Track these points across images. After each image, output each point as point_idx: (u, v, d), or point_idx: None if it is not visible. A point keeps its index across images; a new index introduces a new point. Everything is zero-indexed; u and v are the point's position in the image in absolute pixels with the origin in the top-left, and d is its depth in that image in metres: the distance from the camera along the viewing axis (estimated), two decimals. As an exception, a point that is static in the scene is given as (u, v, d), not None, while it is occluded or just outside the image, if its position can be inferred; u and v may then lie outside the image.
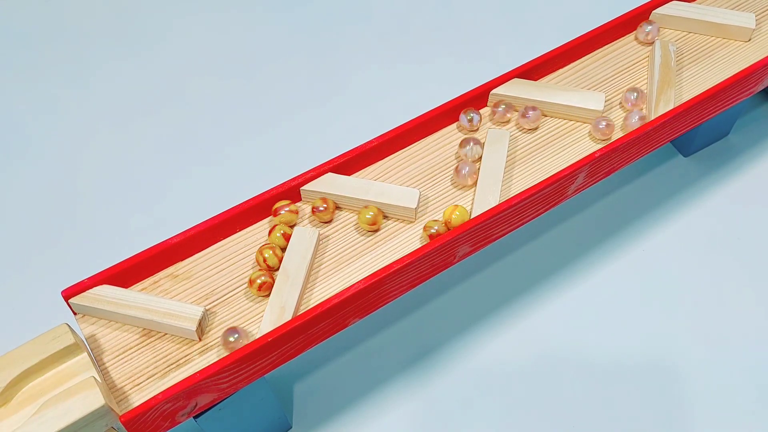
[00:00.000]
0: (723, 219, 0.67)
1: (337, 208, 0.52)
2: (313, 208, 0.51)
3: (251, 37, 0.85)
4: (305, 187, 0.52)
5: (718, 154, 0.72)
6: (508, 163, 0.54)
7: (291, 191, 0.51)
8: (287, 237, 0.49)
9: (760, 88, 0.62)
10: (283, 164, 0.72)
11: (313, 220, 0.51)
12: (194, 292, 0.48)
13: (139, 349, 0.46)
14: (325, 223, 0.51)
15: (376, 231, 0.51)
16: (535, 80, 0.59)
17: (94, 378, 0.41)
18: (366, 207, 0.50)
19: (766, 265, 0.64)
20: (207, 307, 0.47)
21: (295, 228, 0.50)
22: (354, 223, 0.51)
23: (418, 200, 0.51)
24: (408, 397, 0.58)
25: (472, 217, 0.50)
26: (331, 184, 0.52)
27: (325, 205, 0.50)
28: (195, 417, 0.46)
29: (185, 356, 0.45)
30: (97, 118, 0.78)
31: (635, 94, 0.57)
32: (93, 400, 0.40)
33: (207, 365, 0.44)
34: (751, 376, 0.58)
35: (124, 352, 0.45)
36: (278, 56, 0.83)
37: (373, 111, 0.77)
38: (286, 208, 0.50)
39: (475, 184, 0.53)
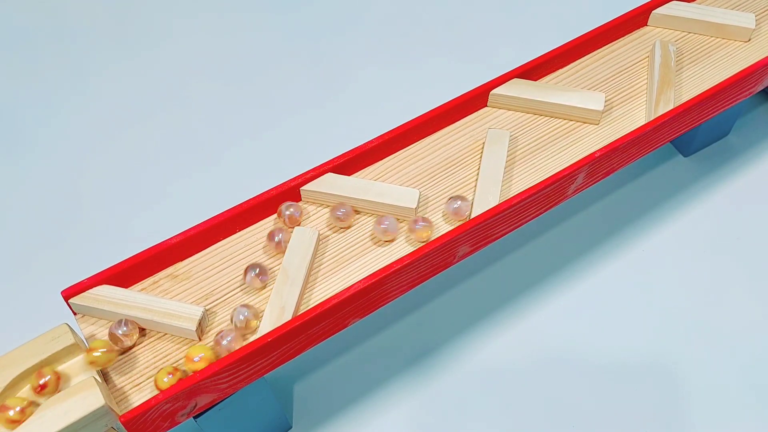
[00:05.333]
0: (723, 219, 0.67)
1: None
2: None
3: (251, 39, 0.85)
4: (305, 187, 0.52)
5: (718, 154, 0.72)
6: (508, 163, 0.54)
7: (291, 191, 0.51)
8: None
9: (760, 88, 0.62)
10: (283, 165, 0.72)
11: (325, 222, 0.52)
12: (194, 292, 0.48)
13: (139, 349, 0.46)
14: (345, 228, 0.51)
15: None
16: (535, 80, 0.59)
17: (94, 378, 0.41)
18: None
19: (765, 265, 0.64)
20: (207, 307, 0.47)
21: (296, 228, 0.50)
22: (356, 223, 0.51)
23: (418, 200, 0.51)
24: (408, 397, 0.58)
25: (472, 217, 0.50)
26: (331, 184, 0.52)
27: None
28: (195, 417, 0.46)
29: (185, 356, 0.45)
30: (98, 119, 0.78)
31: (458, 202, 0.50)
32: (93, 400, 0.40)
33: (206, 365, 0.44)
34: (750, 376, 0.58)
35: (123, 353, 0.45)
36: (278, 57, 0.83)
37: (373, 111, 0.77)
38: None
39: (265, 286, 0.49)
